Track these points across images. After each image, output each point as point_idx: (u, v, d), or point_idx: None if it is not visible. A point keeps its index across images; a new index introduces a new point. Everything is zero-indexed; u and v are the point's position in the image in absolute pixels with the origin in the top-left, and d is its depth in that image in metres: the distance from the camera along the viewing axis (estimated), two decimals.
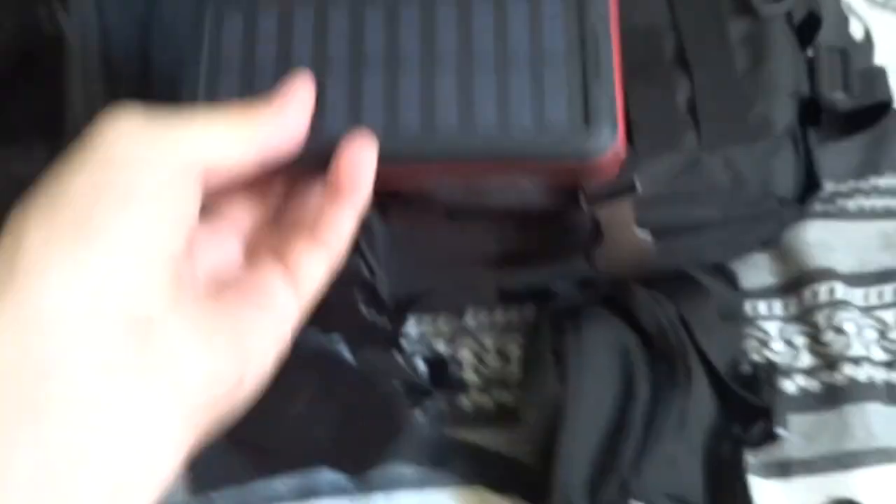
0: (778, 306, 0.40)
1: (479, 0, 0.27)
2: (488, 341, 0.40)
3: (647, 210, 0.33)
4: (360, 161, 0.25)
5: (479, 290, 0.38)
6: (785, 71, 0.34)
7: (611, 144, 0.26)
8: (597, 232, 0.33)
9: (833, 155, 0.38)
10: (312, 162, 0.25)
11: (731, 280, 0.40)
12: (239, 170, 0.23)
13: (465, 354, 0.39)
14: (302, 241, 0.25)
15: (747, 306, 0.40)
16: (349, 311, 0.34)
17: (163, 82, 0.33)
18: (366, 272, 0.34)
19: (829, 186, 0.40)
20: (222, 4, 0.27)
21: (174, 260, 0.21)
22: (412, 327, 0.39)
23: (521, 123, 0.26)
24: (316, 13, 0.27)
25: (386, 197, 0.31)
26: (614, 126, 0.26)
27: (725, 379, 0.35)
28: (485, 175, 0.29)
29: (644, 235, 0.33)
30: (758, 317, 0.39)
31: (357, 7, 0.27)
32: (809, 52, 0.36)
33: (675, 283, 0.38)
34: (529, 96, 0.26)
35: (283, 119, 0.24)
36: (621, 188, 0.32)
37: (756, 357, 0.38)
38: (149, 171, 0.20)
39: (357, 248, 0.33)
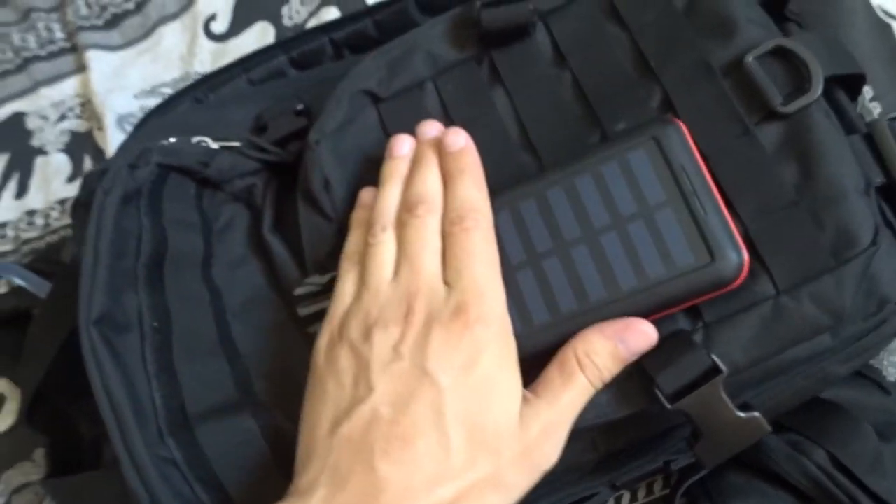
0: None
1: (580, 176, 0.30)
2: None
3: (742, 381, 0.28)
4: None
5: (590, 491, 0.34)
6: (845, 167, 0.28)
7: (741, 265, 0.28)
8: (693, 428, 0.28)
9: None
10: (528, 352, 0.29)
11: (878, 382, 0.34)
12: None
13: None
14: None
15: None
16: None
17: None
18: None
19: None
20: None
21: None
22: None
23: (656, 275, 0.28)
24: None
25: None
26: (737, 247, 0.28)
27: None
28: None
29: (750, 416, 0.28)
30: None
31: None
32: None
33: (811, 417, 0.32)
34: (654, 247, 0.28)
35: None
36: (700, 376, 0.28)
37: None
38: None
39: None
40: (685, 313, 0.29)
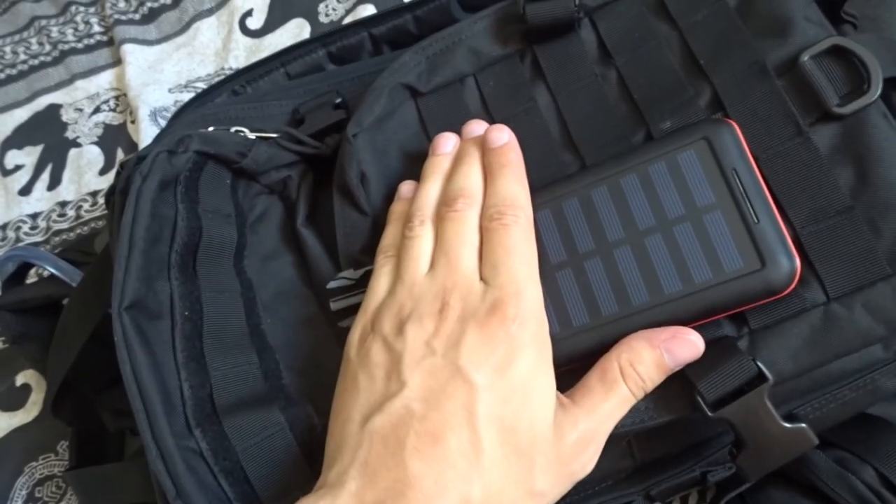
0: None
1: (626, 175, 0.29)
2: None
3: (788, 391, 0.27)
4: None
5: (624, 499, 0.33)
6: None
7: (792, 272, 0.27)
8: (736, 438, 0.27)
9: None
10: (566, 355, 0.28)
11: None
12: None
13: None
14: None
15: None
16: None
17: None
18: None
19: None
20: None
21: None
22: None
23: (703, 281, 0.27)
24: None
25: None
26: (789, 254, 0.27)
27: None
28: None
29: (796, 427, 0.27)
30: None
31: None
32: None
33: (858, 433, 0.31)
34: (701, 251, 0.27)
35: None
36: (744, 383, 0.27)
37: None
38: None
39: None
40: (730, 319, 0.28)
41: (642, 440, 0.30)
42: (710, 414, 0.27)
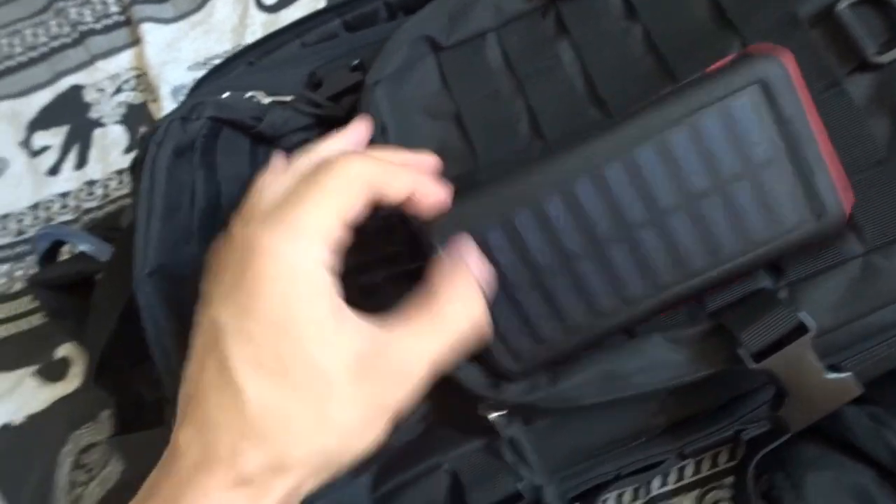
0: None
1: (674, 131, 0.25)
2: None
3: (825, 345, 0.26)
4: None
5: (657, 457, 0.32)
6: None
7: (843, 219, 0.25)
8: (778, 390, 0.26)
9: None
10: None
11: None
12: None
13: None
14: None
15: None
16: None
17: None
18: (529, 491, 0.29)
19: None
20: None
21: None
22: None
23: (760, 237, 0.25)
24: (534, 212, 0.26)
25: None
26: (839, 202, 0.25)
27: None
28: None
29: (839, 377, 0.26)
30: None
31: (567, 189, 0.26)
32: None
33: (891, 388, 0.30)
34: (759, 208, 0.25)
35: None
36: (787, 334, 0.25)
37: None
38: None
39: (513, 471, 0.29)
40: (767, 270, 0.27)
41: (677, 397, 0.29)
42: (753, 365, 0.25)
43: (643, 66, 0.30)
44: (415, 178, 0.25)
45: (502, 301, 0.26)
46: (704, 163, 0.25)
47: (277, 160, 0.27)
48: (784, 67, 0.24)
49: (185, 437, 0.22)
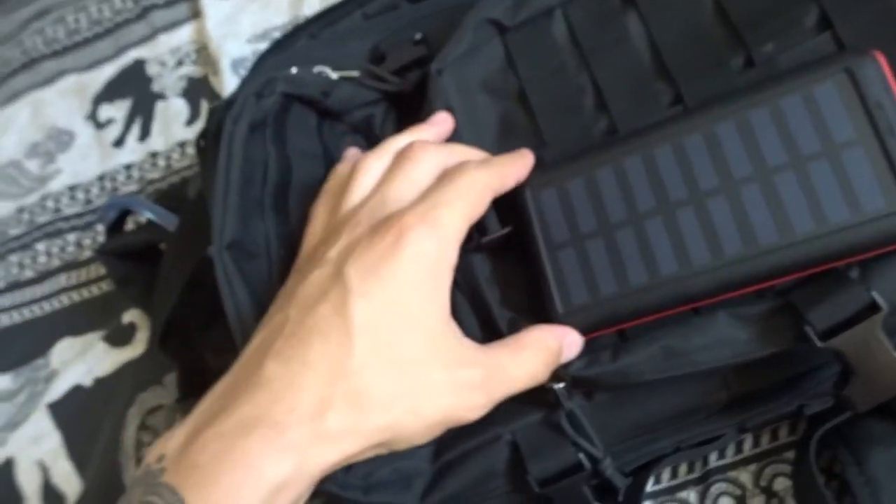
0: None
1: (755, 114, 0.26)
2: (746, 478, 0.33)
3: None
4: None
5: (716, 432, 0.32)
6: None
7: None
8: (845, 370, 0.25)
9: None
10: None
11: None
12: None
13: (726, 502, 0.33)
14: None
15: None
16: None
17: None
18: (587, 463, 0.30)
19: None
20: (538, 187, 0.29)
21: None
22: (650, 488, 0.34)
23: (838, 221, 0.24)
24: (614, 169, 0.28)
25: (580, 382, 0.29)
26: None
27: None
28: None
29: None
30: None
31: (647, 151, 0.27)
32: None
33: None
34: (839, 192, 0.24)
35: None
36: (855, 314, 0.25)
37: None
38: None
39: (573, 443, 0.29)
40: None
41: (739, 373, 0.29)
42: (819, 344, 0.25)
43: (714, 36, 0.29)
44: (520, 175, 0.29)
45: (572, 249, 0.28)
46: (782, 140, 0.25)
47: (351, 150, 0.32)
48: (876, 59, 0.25)
49: (273, 368, 0.23)
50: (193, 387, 0.44)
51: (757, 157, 0.25)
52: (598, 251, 0.27)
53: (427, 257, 0.25)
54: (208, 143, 0.35)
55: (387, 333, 0.24)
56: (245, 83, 0.38)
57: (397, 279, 0.24)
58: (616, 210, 0.27)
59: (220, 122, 0.33)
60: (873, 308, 0.25)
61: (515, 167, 0.29)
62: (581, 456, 0.29)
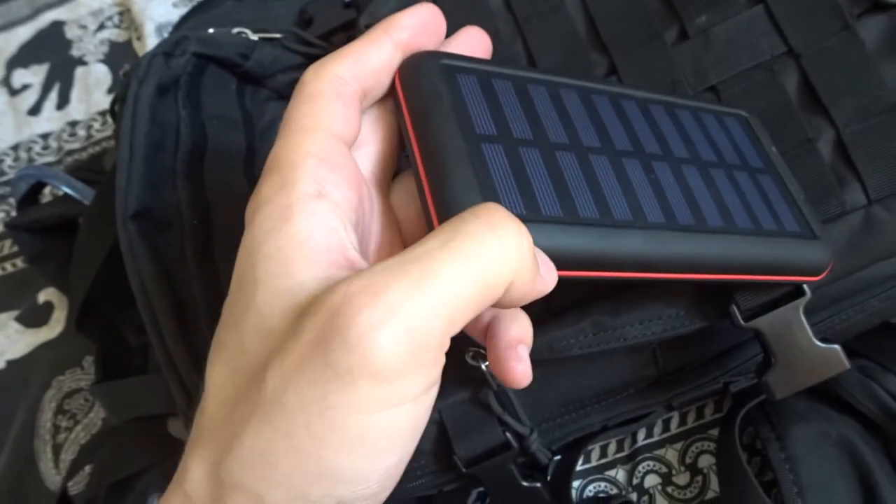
0: None
1: (681, 108, 0.25)
2: (672, 456, 0.33)
3: (819, 298, 0.25)
4: None
5: (645, 409, 0.32)
6: None
7: (832, 256, 0.24)
8: (766, 354, 0.25)
9: None
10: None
11: None
12: None
13: (652, 480, 0.33)
14: None
15: None
16: (512, 489, 0.29)
17: None
18: (514, 442, 0.29)
19: None
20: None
21: None
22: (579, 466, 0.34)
23: (764, 225, 0.24)
24: (550, 92, 0.23)
25: None
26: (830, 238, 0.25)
27: None
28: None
29: (829, 347, 0.25)
30: None
31: (585, 95, 0.23)
32: None
33: (881, 342, 0.29)
34: (761, 200, 0.24)
35: None
36: (783, 295, 0.24)
37: None
38: None
39: (500, 421, 0.29)
40: None
41: (667, 349, 0.29)
42: (742, 324, 0.25)
43: (649, 8, 0.28)
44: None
45: (500, 147, 0.21)
46: (707, 141, 0.25)
47: None
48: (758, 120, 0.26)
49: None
50: (113, 368, 0.41)
51: (688, 144, 0.24)
52: (535, 163, 0.21)
53: None
54: (118, 108, 0.32)
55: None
56: (160, 44, 0.35)
57: None
58: (555, 132, 0.22)
59: (128, 85, 0.31)
60: (798, 293, 0.24)
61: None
62: (508, 435, 0.29)
